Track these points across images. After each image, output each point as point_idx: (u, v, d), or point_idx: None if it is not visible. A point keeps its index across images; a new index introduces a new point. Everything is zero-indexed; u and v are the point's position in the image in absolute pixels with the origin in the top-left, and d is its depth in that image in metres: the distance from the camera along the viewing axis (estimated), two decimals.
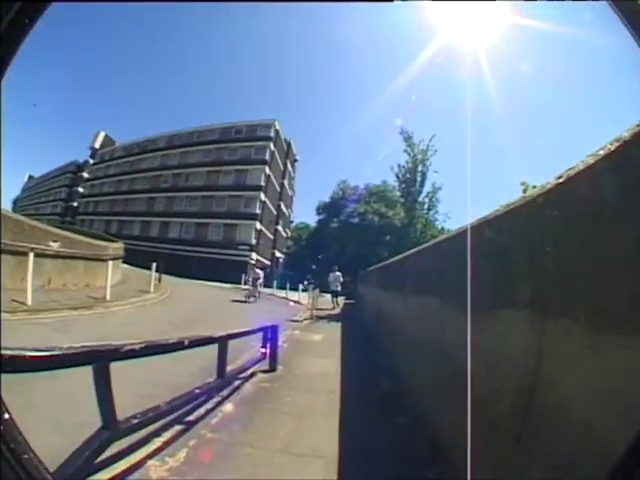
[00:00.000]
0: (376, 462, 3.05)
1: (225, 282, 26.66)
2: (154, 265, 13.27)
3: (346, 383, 5.36)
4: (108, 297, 9.91)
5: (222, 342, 4.10)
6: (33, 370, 1.67)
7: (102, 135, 65.59)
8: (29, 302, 7.28)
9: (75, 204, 61.31)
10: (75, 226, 47.60)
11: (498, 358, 2.12)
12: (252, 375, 5.31)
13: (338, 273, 19.27)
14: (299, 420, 3.93)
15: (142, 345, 2.57)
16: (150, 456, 2.78)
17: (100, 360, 2.15)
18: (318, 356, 7.29)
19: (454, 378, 2.66)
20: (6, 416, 1.16)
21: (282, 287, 24.15)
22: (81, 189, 62.04)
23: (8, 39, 1.26)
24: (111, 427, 2.23)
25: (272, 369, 5.71)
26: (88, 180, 61.73)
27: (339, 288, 19.39)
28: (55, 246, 9.43)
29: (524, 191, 2.94)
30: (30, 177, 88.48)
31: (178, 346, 3.28)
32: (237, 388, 4.72)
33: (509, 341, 2.02)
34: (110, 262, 11.02)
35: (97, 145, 64.94)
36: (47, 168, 77.17)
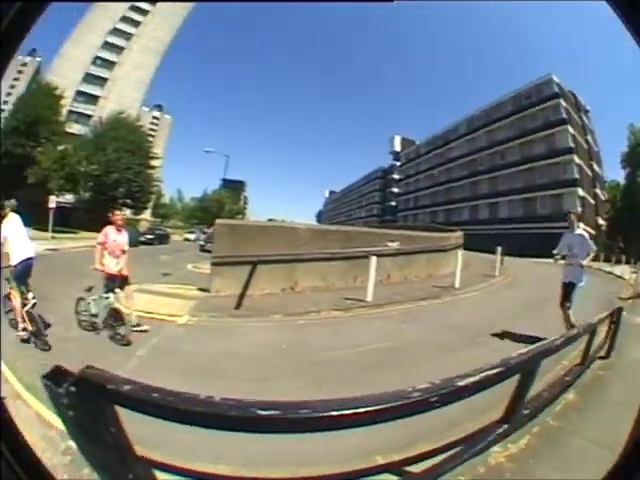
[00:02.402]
0: None
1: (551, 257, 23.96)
2: (499, 249, 12.97)
3: None
4: (457, 285, 9.89)
5: None
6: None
7: (398, 138, 73.25)
8: (369, 298, 7.63)
9: (393, 203, 70.56)
10: (397, 223, 54.97)
11: None
12: None
13: None
14: None
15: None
16: None
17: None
18: None
19: None
20: (6, 416, 1.23)
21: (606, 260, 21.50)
22: (396, 189, 70.86)
23: (8, 39, 1.27)
24: (510, 421, 2.28)
25: None
26: (400, 180, 69.98)
27: None
28: (394, 245, 10.07)
29: None
30: (331, 192, 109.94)
31: None
32: None
33: None
34: (459, 251, 11.26)
35: (397, 148, 72.99)
36: (341, 184, 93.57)
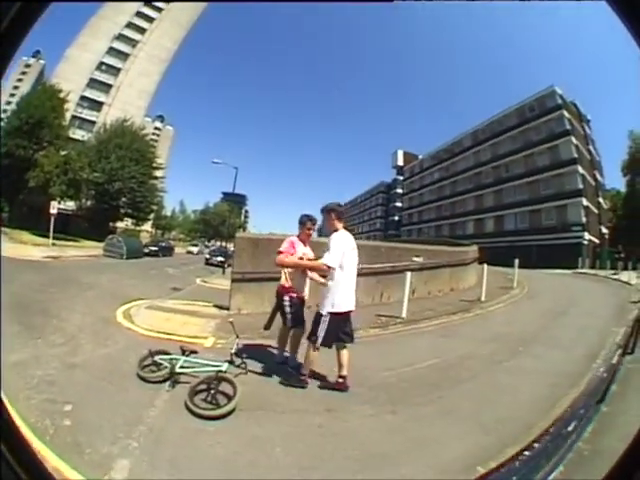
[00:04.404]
0: None
1: (561, 267, 25.87)
2: (516, 261, 13.40)
3: None
4: (483, 298, 10.08)
5: None
6: None
7: (401, 153, 73.40)
8: (404, 314, 7.62)
9: (396, 218, 70.19)
10: (400, 237, 54.58)
11: None
12: None
13: None
14: None
15: None
16: None
17: None
18: None
19: None
20: (6, 416, 1.23)
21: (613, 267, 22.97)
22: (399, 204, 70.64)
23: (8, 39, 1.24)
24: None
25: None
26: (404, 194, 69.79)
27: None
28: (419, 260, 10.17)
29: None
30: None
31: None
32: None
33: None
34: (485, 265, 11.40)
35: (400, 163, 73.14)
36: (343, 198, 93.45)
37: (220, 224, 69.58)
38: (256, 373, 4.29)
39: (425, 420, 3.45)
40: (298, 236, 4.61)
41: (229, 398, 3.42)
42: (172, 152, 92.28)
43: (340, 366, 4.03)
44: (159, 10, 54.88)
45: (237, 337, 3.95)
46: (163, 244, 34.73)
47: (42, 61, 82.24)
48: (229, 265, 21.07)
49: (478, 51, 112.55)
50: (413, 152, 72.01)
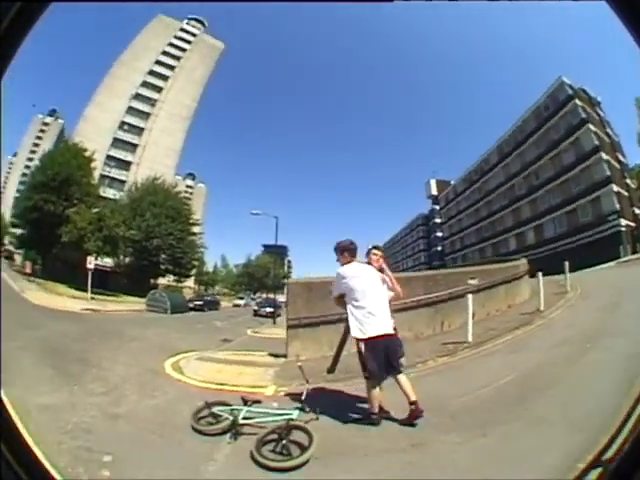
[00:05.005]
0: None
1: (605, 261, 25.33)
2: (566, 264, 13.49)
3: None
4: (542, 307, 10.10)
5: None
6: None
7: (434, 182, 72.97)
8: (469, 339, 7.52)
9: (439, 248, 69.05)
10: (446, 266, 52.97)
11: None
12: None
13: None
14: None
15: None
16: None
17: None
18: None
19: None
20: (6, 416, 1.29)
21: None
22: (439, 233, 69.45)
23: (8, 39, 1.29)
24: None
25: None
26: (443, 223, 68.93)
27: None
28: (474, 282, 10.00)
29: None
30: (375, 247, 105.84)
31: None
32: None
33: None
34: (539, 274, 11.41)
35: (434, 192, 72.56)
36: (383, 237, 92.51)
37: (264, 276, 70.19)
38: (327, 416, 3.86)
39: (518, 435, 3.38)
40: None
41: (303, 447, 3.03)
42: (207, 208, 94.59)
43: (405, 394, 3.78)
44: (172, 68, 57.41)
45: (307, 382, 3.75)
46: (208, 298, 34.65)
47: (60, 120, 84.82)
48: (279, 315, 22.02)
49: (477, 59, 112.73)
50: (445, 179, 71.28)
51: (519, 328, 8.28)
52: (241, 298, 51.65)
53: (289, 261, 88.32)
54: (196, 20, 63.91)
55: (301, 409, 3.39)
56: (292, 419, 3.27)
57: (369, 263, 4.41)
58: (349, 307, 3.96)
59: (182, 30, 61.20)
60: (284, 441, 3.10)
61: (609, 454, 2.01)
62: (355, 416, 3.94)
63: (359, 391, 4.33)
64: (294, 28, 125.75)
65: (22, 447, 1.16)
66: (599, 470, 1.81)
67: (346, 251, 4.21)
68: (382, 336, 3.80)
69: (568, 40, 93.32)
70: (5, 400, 1.32)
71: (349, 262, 4.14)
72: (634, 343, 5.60)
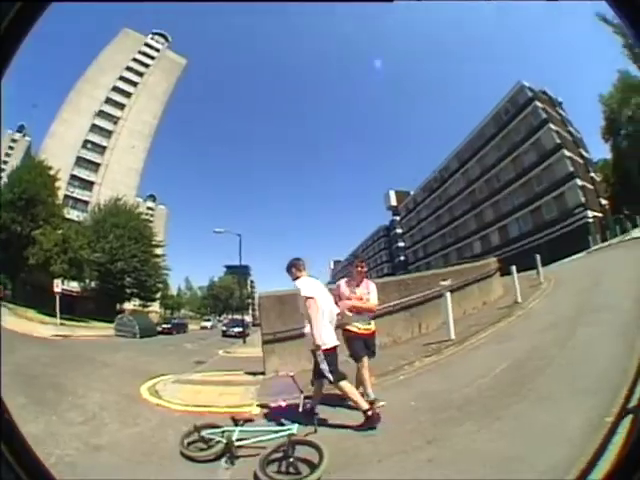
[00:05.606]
0: None
1: (574, 253, 26.01)
2: (537, 257, 13.84)
3: None
4: (519, 299, 10.28)
5: None
6: None
7: (392, 193, 74.18)
8: (452, 336, 7.52)
9: (402, 258, 69.96)
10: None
11: None
12: None
13: None
14: None
15: None
16: None
17: None
18: None
19: None
20: (6, 416, 1.26)
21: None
22: (402, 243, 70.60)
23: (8, 39, 1.29)
24: None
25: None
26: (404, 234, 70.13)
27: None
28: (447, 283, 9.98)
29: None
30: (336, 262, 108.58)
31: None
32: None
33: None
34: (514, 268, 11.55)
35: (394, 203, 73.79)
36: (344, 251, 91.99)
37: (229, 297, 69.37)
38: (324, 427, 3.69)
39: (530, 413, 3.43)
40: (350, 279, 4.83)
41: (312, 464, 2.86)
42: (168, 230, 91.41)
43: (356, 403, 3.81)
44: (134, 84, 56.15)
45: (301, 392, 3.62)
46: (176, 321, 35.09)
47: (28, 137, 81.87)
48: (247, 334, 22.39)
49: (444, 60, 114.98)
50: (404, 189, 72.47)
51: (500, 321, 8.38)
52: (208, 320, 52.42)
53: (252, 281, 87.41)
54: (160, 35, 63.04)
55: (299, 422, 3.24)
56: (293, 434, 3.07)
57: (358, 274, 4.69)
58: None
59: (146, 45, 60.17)
60: (291, 459, 2.90)
61: (633, 402, 2.19)
62: (354, 424, 3.77)
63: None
64: (259, 44, 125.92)
65: (22, 447, 1.16)
66: (630, 417, 1.89)
67: (299, 267, 4.38)
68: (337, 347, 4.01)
69: (526, 41, 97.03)
70: (5, 400, 1.30)
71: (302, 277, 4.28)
72: (620, 313, 6.12)
